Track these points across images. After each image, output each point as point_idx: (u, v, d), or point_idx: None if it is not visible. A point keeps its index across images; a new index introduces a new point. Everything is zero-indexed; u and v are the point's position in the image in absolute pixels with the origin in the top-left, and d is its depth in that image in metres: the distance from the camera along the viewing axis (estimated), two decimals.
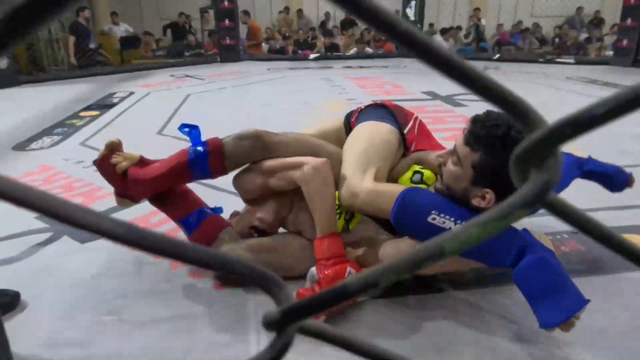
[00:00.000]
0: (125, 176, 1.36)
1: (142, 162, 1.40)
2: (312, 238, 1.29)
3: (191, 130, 1.40)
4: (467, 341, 1.11)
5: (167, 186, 1.39)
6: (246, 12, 8.65)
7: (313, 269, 1.20)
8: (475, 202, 1.12)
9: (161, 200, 1.44)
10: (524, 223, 1.73)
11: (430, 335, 1.13)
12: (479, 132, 1.08)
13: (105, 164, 1.38)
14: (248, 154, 1.37)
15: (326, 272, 1.17)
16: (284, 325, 0.20)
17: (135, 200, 1.43)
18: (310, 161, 1.27)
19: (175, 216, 1.44)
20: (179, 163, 1.35)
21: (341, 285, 0.19)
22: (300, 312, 0.19)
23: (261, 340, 1.11)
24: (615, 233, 0.19)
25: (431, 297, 1.28)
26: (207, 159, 1.35)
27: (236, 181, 1.42)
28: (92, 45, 6.88)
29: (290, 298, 0.19)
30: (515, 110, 0.15)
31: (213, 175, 1.38)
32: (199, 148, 1.36)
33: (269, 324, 0.20)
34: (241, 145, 1.37)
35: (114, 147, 1.40)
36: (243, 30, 8.58)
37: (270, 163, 1.34)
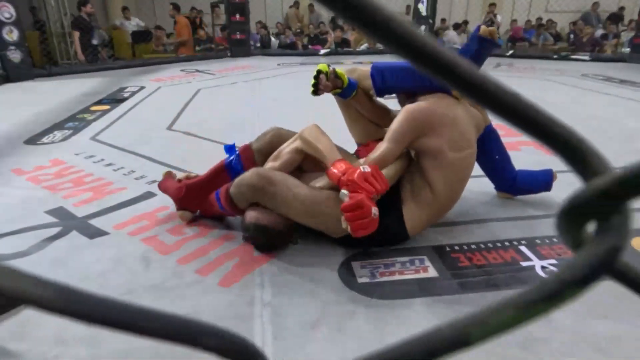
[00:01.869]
0: (181, 189, 1.69)
1: (195, 178, 1.76)
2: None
3: (229, 146, 1.76)
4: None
5: (211, 188, 1.64)
6: (176, 6, 7.90)
7: (343, 191, 1.33)
8: None
9: (206, 206, 1.68)
10: (536, 225, 1.70)
11: None
12: None
13: (166, 182, 1.77)
14: (270, 143, 1.68)
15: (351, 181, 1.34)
16: None
17: (192, 210, 1.70)
18: (302, 129, 1.56)
19: (213, 198, 1.62)
20: (219, 167, 1.71)
21: None
22: None
23: (266, 338, 1.10)
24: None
25: (437, 300, 1.26)
26: (239, 157, 1.70)
27: None
28: (94, 41, 6.87)
29: None
30: (566, 150, 0.13)
31: (245, 167, 1.66)
32: (234, 153, 1.72)
33: None
34: (264, 139, 1.71)
35: (170, 174, 1.82)
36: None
37: (274, 153, 1.61)
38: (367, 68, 1.63)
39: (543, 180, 1.87)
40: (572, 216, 0.12)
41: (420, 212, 1.49)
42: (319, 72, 1.61)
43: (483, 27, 1.52)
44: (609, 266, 0.12)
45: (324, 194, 1.43)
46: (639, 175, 0.11)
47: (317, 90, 1.63)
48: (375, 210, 1.30)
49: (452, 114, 1.46)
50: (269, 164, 1.58)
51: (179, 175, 1.80)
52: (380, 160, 1.41)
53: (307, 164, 1.61)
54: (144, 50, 7.69)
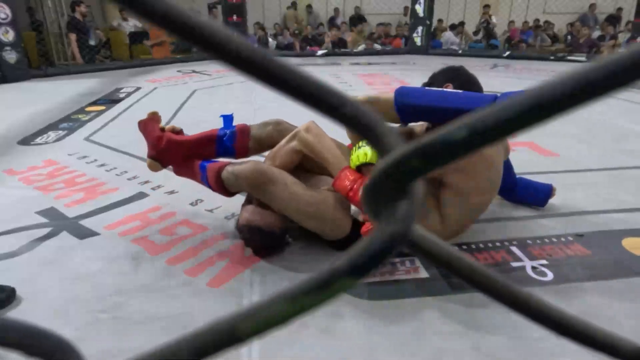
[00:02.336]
0: (161, 139, 1.58)
1: (180, 133, 1.64)
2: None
3: (226, 116, 1.65)
4: (466, 346, 1.09)
5: (194, 153, 1.56)
6: None
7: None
8: None
9: (184, 168, 1.60)
10: (530, 225, 1.70)
11: (428, 339, 1.11)
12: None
13: (149, 125, 1.62)
14: (270, 136, 1.60)
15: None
16: None
17: (163, 164, 1.61)
18: (300, 128, 1.48)
19: (198, 166, 1.55)
20: (209, 135, 1.60)
21: None
22: None
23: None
24: (484, 269, 0.15)
25: (429, 301, 1.25)
26: (234, 135, 1.59)
27: None
28: (92, 42, 6.85)
29: None
30: (361, 129, 0.12)
31: (236, 153, 1.61)
32: (229, 128, 1.61)
33: None
34: (265, 129, 1.63)
35: (156, 116, 1.66)
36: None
37: (271, 151, 1.55)
38: (390, 97, 1.37)
39: (540, 197, 1.84)
40: (369, 195, 0.12)
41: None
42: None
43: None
44: (388, 255, 0.11)
45: (321, 196, 1.41)
46: (411, 157, 0.11)
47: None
48: None
49: (495, 155, 1.40)
50: (267, 163, 1.54)
51: (165, 127, 1.66)
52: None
53: (306, 162, 1.59)
54: (142, 51, 7.68)
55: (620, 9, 9.76)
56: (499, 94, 1.42)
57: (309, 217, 1.40)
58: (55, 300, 1.25)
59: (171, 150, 1.58)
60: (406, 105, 1.34)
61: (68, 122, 3.34)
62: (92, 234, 1.62)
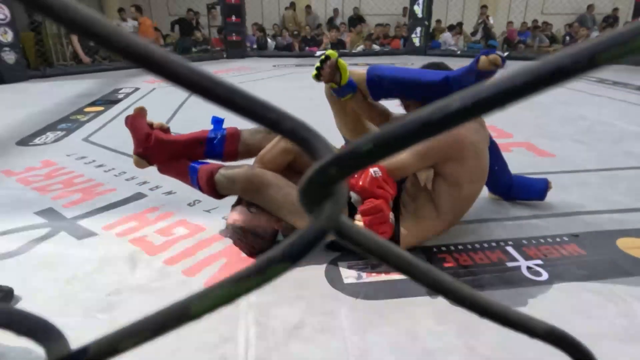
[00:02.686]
0: (149, 137, 1.55)
1: (167, 132, 1.62)
2: None
3: (217, 119, 1.64)
4: (457, 347, 1.10)
5: (181, 153, 1.56)
6: (138, 8, 7.78)
7: (355, 195, 1.35)
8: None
9: (170, 167, 1.60)
10: (525, 226, 1.71)
11: (423, 339, 1.12)
12: None
13: (136, 121, 1.59)
14: (260, 144, 1.58)
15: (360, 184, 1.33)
16: None
17: (150, 162, 1.59)
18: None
19: (187, 166, 1.55)
20: (199, 136, 1.59)
21: (82, 349, 0.17)
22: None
23: (250, 338, 1.11)
24: (412, 259, 0.17)
25: (422, 301, 1.26)
26: (224, 138, 1.60)
27: None
28: (91, 42, 6.86)
29: (66, 350, 0.17)
30: (299, 142, 0.13)
31: (224, 156, 1.60)
32: (220, 130, 1.61)
33: None
34: (256, 137, 1.63)
35: (142, 111, 1.63)
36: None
37: (260, 153, 1.54)
38: (363, 71, 1.56)
39: (538, 189, 1.86)
40: (302, 196, 0.13)
41: (417, 228, 1.47)
42: (326, 57, 1.54)
43: (482, 59, 1.37)
44: (315, 245, 0.13)
45: None
46: (330, 166, 0.12)
47: (319, 76, 1.57)
48: (392, 215, 1.32)
49: (478, 143, 1.42)
50: (257, 166, 1.54)
51: (154, 123, 1.63)
52: (397, 170, 1.37)
53: (295, 164, 1.61)
54: None
55: (616, 9, 9.80)
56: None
57: (302, 217, 1.41)
58: (53, 300, 1.26)
59: (159, 149, 1.55)
60: (375, 77, 1.51)
61: (66, 122, 3.35)
62: (90, 234, 1.63)
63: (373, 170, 1.33)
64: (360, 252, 0.16)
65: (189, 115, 3.60)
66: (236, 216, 1.46)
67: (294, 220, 1.43)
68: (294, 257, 0.13)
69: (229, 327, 1.15)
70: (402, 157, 1.37)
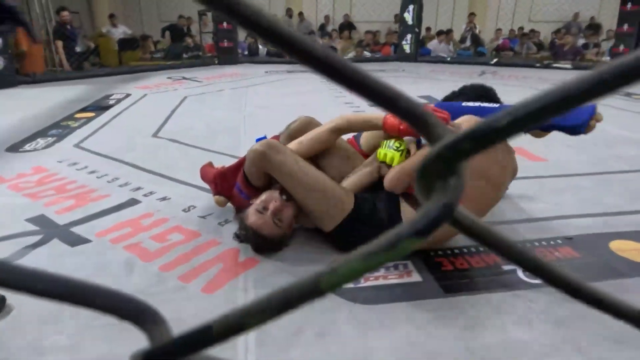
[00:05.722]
0: (215, 175, 1.77)
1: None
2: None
3: (260, 138, 1.72)
4: (458, 350, 1.10)
5: (237, 175, 1.71)
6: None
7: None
8: None
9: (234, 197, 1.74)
10: (520, 229, 1.73)
11: (422, 342, 1.12)
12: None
13: (205, 169, 1.87)
14: (299, 131, 1.67)
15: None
16: None
17: (225, 194, 1.76)
18: (332, 120, 1.59)
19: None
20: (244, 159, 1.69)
21: (204, 328, 0.16)
22: (170, 354, 0.16)
23: (249, 344, 1.10)
24: (528, 250, 0.17)
25: (420, 304, 1.27)
26: None
27: None
28: (78, 49, 6.80)
29: (168, 335, 0.17)
30: (414, 120, 0.14)
31: None
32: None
33: None
34: (292, 126, 1.71)
35: (210, 163, 1.91)
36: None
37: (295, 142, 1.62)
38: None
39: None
40: (421, 176, 0.13)
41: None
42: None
43: (593, 125, 1.61)
44: (442, 221, 0.13)
45: (330, 181, 1.48)
46: (463, 141, 0.12)
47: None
48: None
49: (501, 153, 1.45)
50: (294, 143, 1.60)
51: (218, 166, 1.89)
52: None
53: (325, 162, 1.64)
54: (131, 57, 7.66)
55: (592, 17, 10.04)
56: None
57: (314, 190, 1.43)
58: (47, 308, 1.24)
59: (221, 179, 1.76)
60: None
61: (57, 128, 3.31)
62: (84, 241, 1.61)
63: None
64: (474, 240, 0.16)
65: (180, 122, 3.58)
66: (255, 218, 1.46)
67: (306, 194, 1.44)
68: (421, 232, 0.14)
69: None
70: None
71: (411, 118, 0.14)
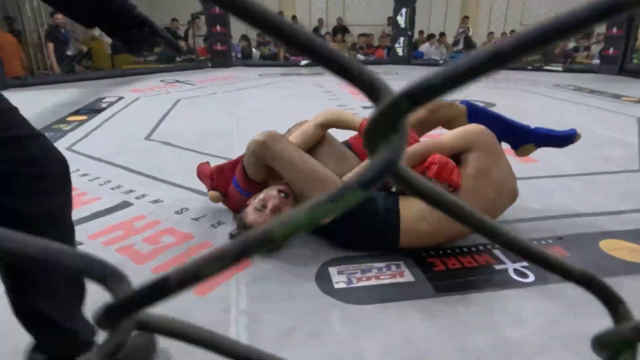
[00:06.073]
0: (212, 171, 1.78)
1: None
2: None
3: None
4: (450, 349, 1.11)
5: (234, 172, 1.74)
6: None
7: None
8: None
9: (231, 196, 1.75)
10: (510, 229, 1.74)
11: (415, 341, 1.13)
12: None
13: (201, 167, 1.90)
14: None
15: None
16: (116, 319, 0.17)
17: (221, 190, 1.76)
18: (319, 113, 1.65)
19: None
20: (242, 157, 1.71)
21: (162, 278, 0.17)
22: (130, 306, 0.17)
23: None
24: (465, 206, 0.18)
25: (412, 304, 1.27)
26: None
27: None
28: (69, 52, 6.76)
29: (129, 290, 0.17)
30: (359, 82, 0.15)
31: None
32: None
33: (100, 319, 0.17)
34: (290, 131, 1.76)
35: (207, 163, 1.91)
36: None
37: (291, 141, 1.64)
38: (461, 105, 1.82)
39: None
40: (367, 134, 0.14)
41: (419, 225, 1.45)
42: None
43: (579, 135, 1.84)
44: (386, 174, 0.14)
45: (330, 172, 1.51)
46: (402, 99, 0.13)
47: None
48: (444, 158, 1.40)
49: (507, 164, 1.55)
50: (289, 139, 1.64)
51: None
52: (435, 148, 1.45)
53: (316, 153, 1.66)
54: (124, 61, 7.63)
55: None
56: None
57: (314, 179, 1.46)
58: None
59: (218, 175, 1.77)
60: (473, 112, 1.80)
61: (49, 131, 3.29)
62: (76, 243, 1.60)
63: None
64: (416, 196, 0.17)
65: (173, 125, 3.57)
66: (255, 216, 1.48)
67: (305, 182, 1.46)
68: (365, 185, 0.14)
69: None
70: (443, 137, 1.48)
71: (362, 84, 0.15)
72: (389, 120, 0.14)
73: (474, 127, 1.51)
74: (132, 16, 0.76)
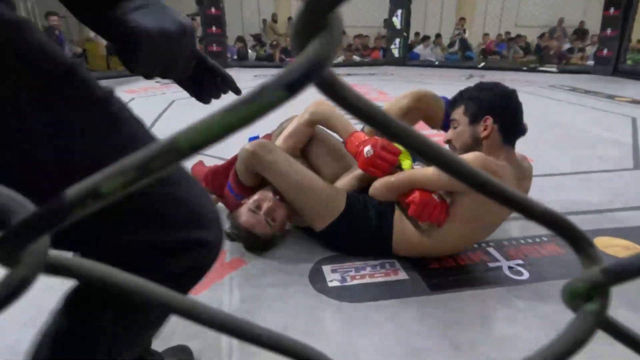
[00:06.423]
0: (207, 174, 1.81)
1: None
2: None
3: (253, 137, 1.73)
4: (443, 346, 1.10)
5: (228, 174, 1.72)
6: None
7: (367, 148, 1.37)
8: (484, 133, 1.38)
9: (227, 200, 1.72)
10: (505, 227, 1.74)
11: (409, 339, 1.12)
12: (457, 96, 1.47)
13: (197, 167, 1.94)
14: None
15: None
16: (13, 250, 0.15)
17: (216, 192, 1.76)
18: (311, 103, 1.58)
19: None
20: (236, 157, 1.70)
21: (57, 198, 0.14)
22: (26, 232, 0.14)
23: (233, 344, 1.09)
24: (409, 128, 0.16)
25: (406, 302, 1.26)
26: None
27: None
28: None
29: (28, 211, 0.15)
30: None
31: None
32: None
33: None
34: (283, 126, 1.75)
35: (201, 162, 1.97)
36: None
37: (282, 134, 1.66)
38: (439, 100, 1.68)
39: None
40: (295, 34, 0.13)
41: (412, 237, 1.40)
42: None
43: None
44: (312, 75, 0.13)
45: (322, 181, 1.48)
46: None
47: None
48: (435, 195, 1.29)
49: (511, 176, 1.39)
50: (279, 140, 1.63)
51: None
52: (420, 184, 1.30)
53: (319, 162, 1.65)
54: (119, 62, 7.60)
55: (582, 22, 10.21)
56: None
57: (305, 190, 1.43)
58: (26, 311, 1.21)
59: (213, 177, 1.78)
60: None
61: None
62: None
63: (365, 150, 1.36)
64: (346, 109, 0.15)
65: (168, 125, 3.56)
66: (247, 217, 1.46)
67: (297, 193, 1.44)
68: (290, 86, 0.13)
69: (212, 334, 1.13)
70: (430, 173, 1.29)
71: None
72: (317, 14, 0.13)
73: (472, 161, 1.24)
74: (207, 67, 0.76)
